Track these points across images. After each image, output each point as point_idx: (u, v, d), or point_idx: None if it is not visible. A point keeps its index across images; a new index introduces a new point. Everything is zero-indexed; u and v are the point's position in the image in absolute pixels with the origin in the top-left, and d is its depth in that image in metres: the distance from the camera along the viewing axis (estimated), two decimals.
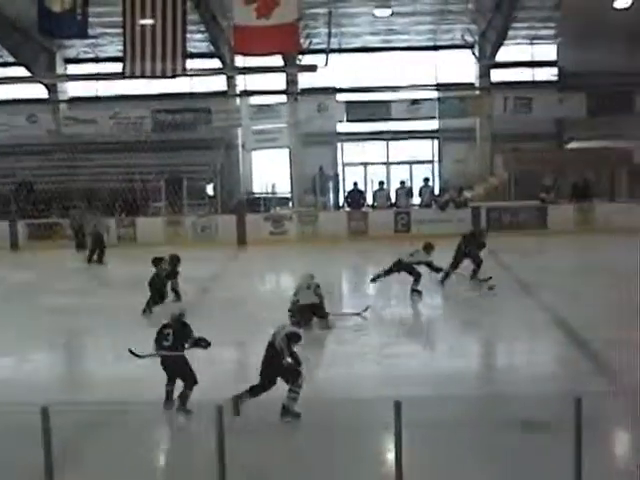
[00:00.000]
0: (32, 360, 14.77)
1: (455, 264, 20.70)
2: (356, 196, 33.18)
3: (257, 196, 37.04)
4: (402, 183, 33.72)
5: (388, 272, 20.02)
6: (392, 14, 32.79)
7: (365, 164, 38.62)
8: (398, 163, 38.91)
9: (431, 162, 39.37)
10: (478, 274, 20.55)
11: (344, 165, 39.40)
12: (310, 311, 16.66)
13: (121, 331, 16.37)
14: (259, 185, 37.63)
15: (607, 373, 12.98)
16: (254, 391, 11.07)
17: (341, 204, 35.49)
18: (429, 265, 19.77)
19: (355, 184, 33.82)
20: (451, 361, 14.03)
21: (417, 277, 19.59)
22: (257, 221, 31.59)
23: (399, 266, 19.84)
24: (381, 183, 33.79)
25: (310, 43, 34.68)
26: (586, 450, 7.28)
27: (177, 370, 11.51)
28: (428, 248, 20.00)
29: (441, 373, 13.12)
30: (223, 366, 13.70)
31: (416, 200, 33.32)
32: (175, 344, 11.52)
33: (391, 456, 7.15)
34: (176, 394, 11.45)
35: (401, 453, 6.80)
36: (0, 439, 9.88)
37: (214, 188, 34.87)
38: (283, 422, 10.66)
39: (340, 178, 38.08)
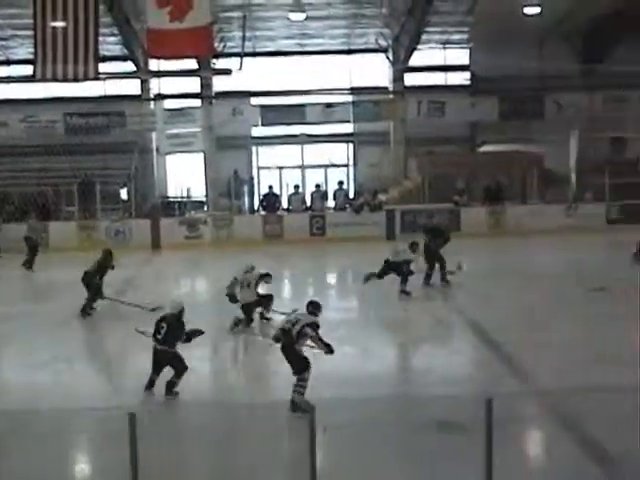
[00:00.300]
0: None
1: (432, 264, 20.67)
2: (271, 200, 33.16)
3: (172, 200, 36.80)
4: (317, 186, 33.80)
5: (380, 274, 19.76)
6: (306, 18, 32.79)
7: (280, 168, 38.65)
8: (313, 167, 38.99)
9: (346, 165, 39.53)
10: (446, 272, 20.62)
11: (259, 169, 39.37)
12: (252, 308, 16.80)
13: (35, 338, 16.18)
14: (174, 189, 37.38)
15: (519, 374, 13.17)
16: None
17: (256, 208, 35.46)
18: (401, 268, 19.52)
19: (270, 187, 33.80)
20: (366, 363, 14.09)
21: (404, 277, 19.46)
22: (172, 225, 31.40)
23: (388, 266, 19.67)
24: (296, 186, 33.84)
25: (224, 47, 34.52)
26: (498, 450, 7.37)
27: (166, 361, 11.98)
28: (414, 246, 19.97)
29: (356, 375, 13.16)
30: (135, 366, 13.62)
31: (331, 203, 33.45)
32: (166, 338, 11.95)
33: (306, 458, 7.16)
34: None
35: (315, 455, 6.81)
36: None
37: (128, 192, 34.56)
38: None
39: (255, 182, 38.05)
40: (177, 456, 9.67)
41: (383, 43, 36.63)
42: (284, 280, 24.71)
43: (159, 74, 36.93)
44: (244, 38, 32.79)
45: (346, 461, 9.33)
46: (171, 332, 12.04)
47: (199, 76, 36.13)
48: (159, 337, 12.01)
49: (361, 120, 36.07)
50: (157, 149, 36.98)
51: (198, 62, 34.66)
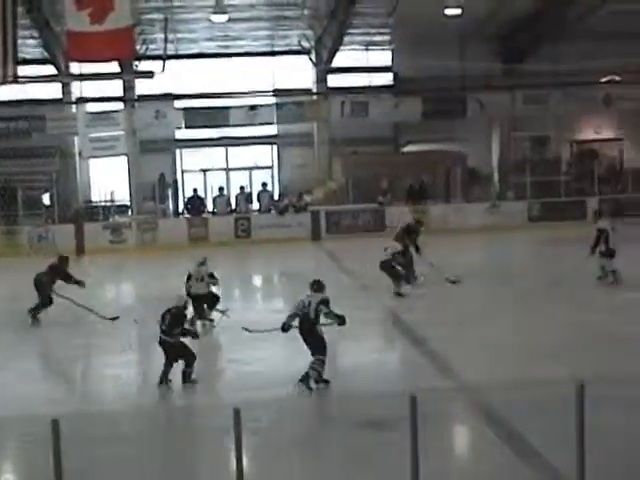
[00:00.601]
0: None
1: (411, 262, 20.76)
2: (196, 202, 33.05)
3: (95, 205, 36.43)
4: (242, 188, 33.79)
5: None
6: (229, 20, 32.67)
7: (204, 170, 38.47)
8: (237, 169, 38.89)
9: (270, 167, 39.49)
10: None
11: (183, 172, 39.14)
12: (202, 302, 16.92)
13: None
14: (97, 193, 36.99)
15: (445, 371, 13.28)
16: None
17: (181, 211, 35.28)
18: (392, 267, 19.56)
19: (195, 190, 33.69)
20: (293, 362, 14.09)
21: (396, 279, 19.44)
22: (96, 230, 31.15)
23: (382, 268, 19.58)
24: (221, 189, 33.77)
25: (147, 49, 34.33)
26: (425, 447, 7.41)
27: (174, 352, 12.49)
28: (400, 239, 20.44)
29: (283, 375, 13.16)
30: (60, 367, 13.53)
31: (256, 205, 33.44)
32: (170, 330, 12.45)
33: (233, 461, 7.14)
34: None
35: (241, 457, 6.80)
36: None
37: (50, 197, 34.15)
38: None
39: (179, 185, 37.82)
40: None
41: (306, 45, 36.67)
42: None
43: (80, 77, 36.49)
44: (166, 40, 32.59)
45: (272, 463, 9.32)
46: (174, 324, 12.51)
47: (121, 79, 35.81)
48: (164, 328, 12.49)
49: (285, 122, 36.02)
50: (80, 153, 36.56)
51: (120, 65, 34.30)
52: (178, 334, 12.53)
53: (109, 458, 9.61)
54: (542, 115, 37.18)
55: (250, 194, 34.01)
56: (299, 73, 37.77)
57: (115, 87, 36.29)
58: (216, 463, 9.41)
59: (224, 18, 32.16)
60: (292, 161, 38.70)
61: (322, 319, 12.41)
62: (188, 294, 16.50)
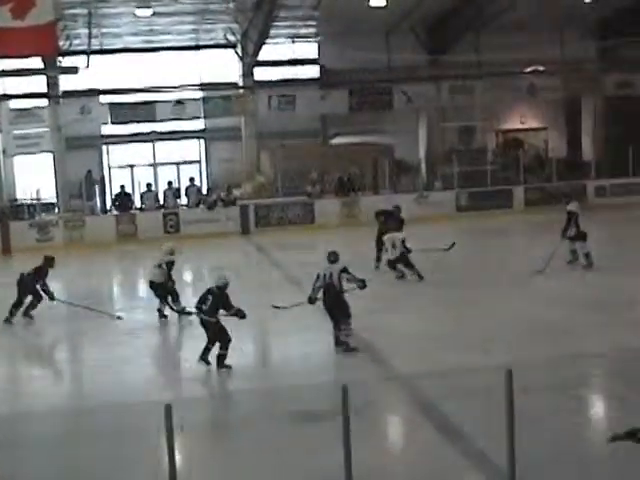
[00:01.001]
0: None
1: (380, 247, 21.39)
2: (123, 199, 32.74)
3: (21, 203, 35.90)
4: (169, 184, 33.55)
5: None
6: (153, 14, 32.40)
7: (132, 166, 38.11)
8: (165, 164, 38.60)
9: (198, 162, 39.27)
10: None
11: (110, 168, 38.74)
12: (158, 289, 17.61)
13: None
14: (22, 191, 36.46)
15: (377, 360, 13.36)
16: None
17: (108, 208, 34.93)
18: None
19: (122, 187, 33.36)
20: (227, 359, 14.05)
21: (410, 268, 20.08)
22: (22, 228, 30.71)
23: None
24: (148, 185, 33.48)
25: (70, 44, 33.82)
26: (358, 436, 7.45)
27: (212, 332, 13.29)
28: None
29: (214, 371, 13.13)
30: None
31: (184, 200, 33.25)
32: (211, 310, 13.23)
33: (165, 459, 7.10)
34: None
35: (174, 455, 6.76)
36: None
37: None
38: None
39: (107, 181, 37.44)
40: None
41: (232, 38, 36.50)
42: (139, 279, 24.48)
43: (3, 74, 35.93)
44: (90, 35, 32.36)
45: (206, 460, 9.30)
46: (215, 304, 13.21)
47: (45, 75, 35.29)
48: (205, 308, 13.24)
49: (212, 116, 35.85)
50: (3, 151, 35.99)
51: (44, 61, 33.89)
52: (217, 313, 13.28)
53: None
54: (468, 105, 37.51)
55: (178, 189, 33.79)
56: (225, 67, 37.59)
57: (39, 83, 35.77)
58: (149, 463, 9.37)
59: (149, 12, 31.93)
60: (220, 155, 38.52)
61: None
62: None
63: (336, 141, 38.74)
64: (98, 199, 35.53)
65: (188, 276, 25.98)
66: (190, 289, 23.19)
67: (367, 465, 8.23)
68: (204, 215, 31.38)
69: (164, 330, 16.73)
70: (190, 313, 16.46)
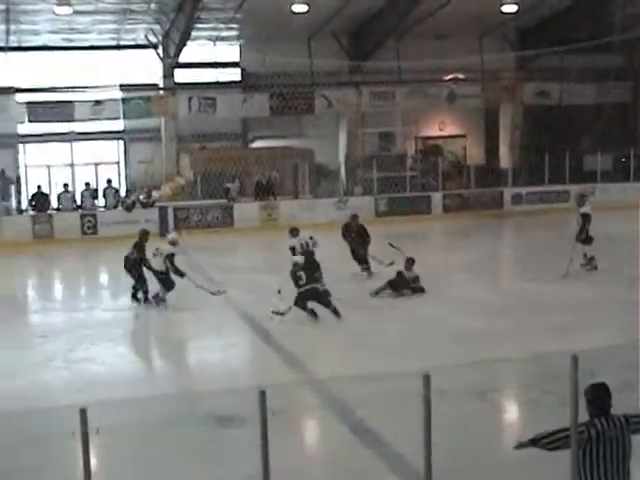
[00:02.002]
0: None
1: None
2: (40, 199, 32.27)
3: None
4: (87, 185, 33.17)
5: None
6: (73, 12, 31.95)
7: (49, 166, 37.55)
8: (83, 165, 38.14)
9: (117, 163, 38.89)
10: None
11: (26, 167, 38.15)
12: (155, 275, 18.33)
13: None
14: None
15: (295, 364, 13.37)
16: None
17: (25, 208, 34.38)
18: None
19: (39, 187, 32.87)
20: (143, 361, 13.97)
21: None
22: None
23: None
24: (65, 185, 33.05)
25: None
26: (276, 441, 7.43)
27: (323, 297, 16.11)
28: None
29: (134, 374, 13.03)
30: None
31: (102, 202, 32.92)
32: (309, 279, 16.09)
33: (80, 463, 7.01)
34: None
35: (88, 458, 6.67)
36: None
37: None
38: None
39: (23, 181, 36.85)
40: None
41: (153, 39, 36.22)
42: (55, 280, 24.24)
43: None
44: (8, 32, 31.86)
45: (123, 463, 9.21)
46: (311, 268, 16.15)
47: None
48: (318, 277, 16.19)
49: (131, 117, 35.50)
50: None
51: None
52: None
53: None
54: (388, 111, 37.80)
55: (96, 190, 33.43)
56: (146, 68, 37.28)
57: None
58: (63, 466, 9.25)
59: (69, 10, 31.44)
60: (139, 157, 38.19)
61: None
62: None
63: (257, 144, 38.71)
64: (14, 199, 34.96)
65: (104, 277, 25.80)
66: (106, 290, 23.05)
67: (285, 466, 8.22)
68: (122, 217, 31.05)
69: (78, 331, 16.46)
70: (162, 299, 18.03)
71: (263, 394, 6.88)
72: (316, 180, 35.72)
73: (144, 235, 19.18)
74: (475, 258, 20.57)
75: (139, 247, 18.78)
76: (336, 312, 16.19)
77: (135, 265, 18.51)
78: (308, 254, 17.87)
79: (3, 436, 10.11)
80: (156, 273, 18.30)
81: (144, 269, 18.42)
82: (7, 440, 10.00)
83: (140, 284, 18.49)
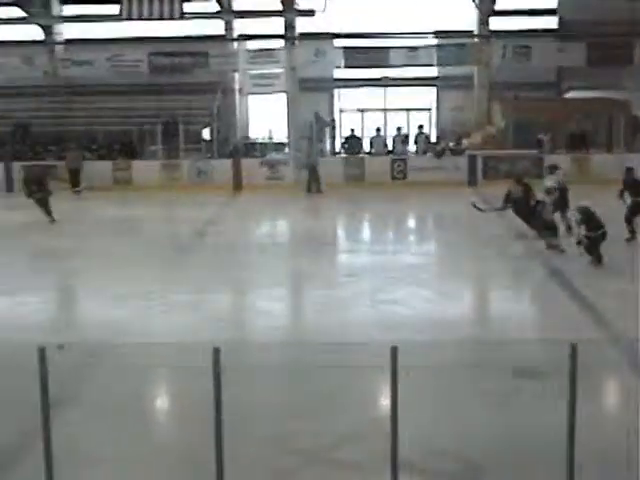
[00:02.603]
0: (25, 302, 14.71)
1: None
2: (353, 142, 33.10)
3: (253, 141, 36.91)
4: (399, 130, 33.64)
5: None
6: None
7: (362, 110, 38.39)
8: (395, 110, 38.69)
9: (428, 110, 39.16)
10: None
11: (341, 111, 39.19)
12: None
13: (111, 273, 16.44)
14: (255, 130, 37.45)
15: (602, 323, 13.02)
16: None
17: (337, 150, 35.39)
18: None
19: (352, 130, 33.72)
20: (444, 307, 14.06)
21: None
22: (253, 166, 31.53)
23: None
24: (378, 130, 33.71)
25: None
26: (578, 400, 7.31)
27: None
28: (552, 169, 20.69)
29: (435, 318, 13.16)
30: (213, 305, 13.91)
31: (412, 147, 33.28)
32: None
33: (387, 400, 7.20)
34: None
35: (396, 396, 6.84)
36: None
37: (210, 132, 34.76)
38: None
39: (337, 124, 37.90)
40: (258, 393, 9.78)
41: None
42: (363, 222, 24.84)
43: (243, 14, 36.85)
44: None
45: (424, 403, 9.35)
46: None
47: (283, 17, 35.90)
48: None
49: (445, 64, 35.58)
50: (240, 90, 37.01)
51: (282, 2, 34.51)
52: None
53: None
54: None
55: (407, 136, 33.85)
56: (461, 15, 37.16)
57: (276, 25, 36.44)
58: (371, 401, 9.49)
59: None
60: (450, 104, 38.28)
61: None
62: None
63: (570, 95, 37.75)
64: (328, 142, 36.06)
65: (412, 223, 26.12)
66: (412, 235, 23.30)
67: (587, 426, 8.05)
68: (431, 163, 31.28)
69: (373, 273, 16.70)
70: None
71: (574, 347, 6.76)
72: (631, 134, 34.38)
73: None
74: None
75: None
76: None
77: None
78: (563, 191, 18.97)
79: (316, 364, 10.52)
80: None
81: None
82: (320, 368, 10.37)
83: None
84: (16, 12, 36.32)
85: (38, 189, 23.32)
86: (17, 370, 8.68)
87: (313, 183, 29.44)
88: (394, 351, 6.69)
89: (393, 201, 27.90)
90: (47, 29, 37.65)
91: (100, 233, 22.34)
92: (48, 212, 22.88)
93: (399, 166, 31.39)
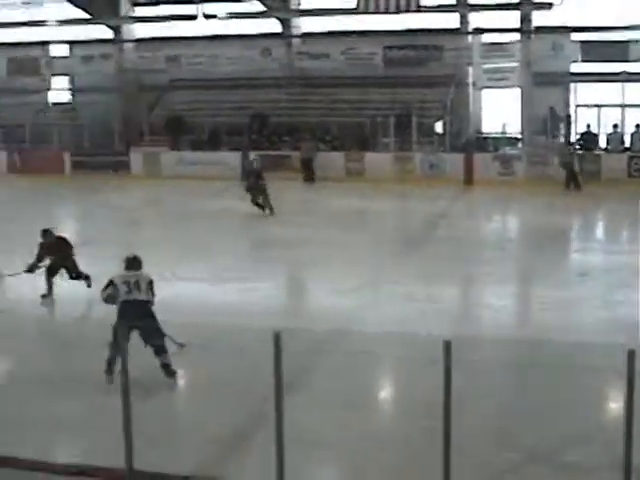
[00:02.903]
0: (257, 289, 15.15)
1: None
2: (589, 138, 32.34)
3: (486, 135, 36.60)
4: (637, 126, 32.56)
5: None
6: None
7: (599, 106, 37.33)
8: (634, 106, 37.40)
9: None
10: None
11: (576, 106, 38.25)
12: None
13: (343, 264, 16.73)
14: (488, 124, 37.11)
15: None
16: None
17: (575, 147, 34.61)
18: None
19: (588, 126, 32.93)
20: None
21: None
22: (485, 161, 31.29)
23: None
24: (615, 126, 32.76)
25: None
26: None
27: None
28: None
29: None
30: (441, 298, 13.98)
31: None
32: None
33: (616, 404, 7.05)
34: None
35: (632, 400, 6.68)
36: (232, 360, 10.24)
37: (443, 126, 34.71)
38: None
39: (572, 119, 37.04)
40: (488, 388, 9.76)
41: None
42: (597, 220, 24.29)
43: (478, 8, 36.57)
44: None
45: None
46: None
47: (519, 10, 35.35)
48: None
49: None
50: (473, 83, 36.75)
51: None
52: None
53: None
54: None
55: None
56: None
57: (512, 18, 35.94)
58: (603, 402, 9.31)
59: None
60: None
61: None
62: None
63: None
64: (562, 137, 35.32)
65: None
66: None
67: None
68: None
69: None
70: None
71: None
72: None
73: None
74: None
75: None
76: None
77: None
78: None
79: (544, 362, 10.38)
80: None
81: None
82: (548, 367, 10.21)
83: None
84: (256, 7, 37.33)
85: (256, 182, 23.85)
86: (250, 354, 9.03)
87: (571, 181, 28.95)
88: (631, 355, 6.54)
89: (630, 199, 27.00)
90: (285, 22, 38.54)
91: (330, 224, 22.67)
92: (266, 204, 23.38)
93: (637, 164, 30.42)
